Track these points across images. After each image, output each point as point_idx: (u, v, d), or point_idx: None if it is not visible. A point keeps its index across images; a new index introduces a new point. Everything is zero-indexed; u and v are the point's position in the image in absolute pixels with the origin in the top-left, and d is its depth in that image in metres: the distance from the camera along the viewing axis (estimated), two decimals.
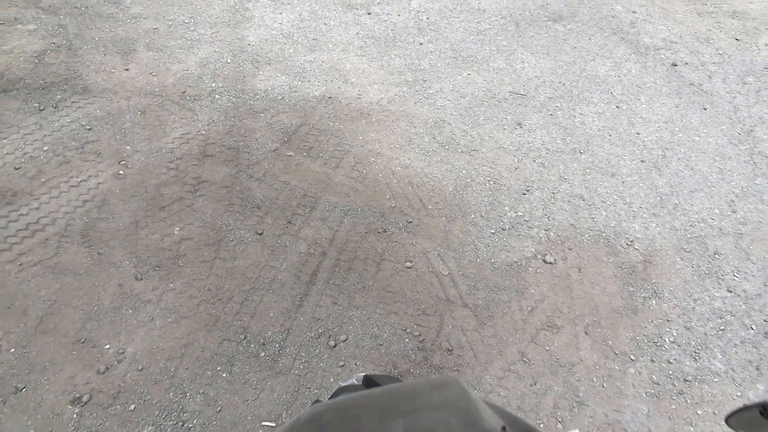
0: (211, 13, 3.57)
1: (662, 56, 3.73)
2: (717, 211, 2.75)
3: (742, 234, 2.66)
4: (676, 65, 3.66)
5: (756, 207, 2.77)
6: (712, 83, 3.54)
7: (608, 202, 2.72)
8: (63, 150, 2.62)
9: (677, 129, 3.16)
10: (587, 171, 2.86)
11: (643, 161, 2.95)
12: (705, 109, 3.34)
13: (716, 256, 2.56)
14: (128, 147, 2.67)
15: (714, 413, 2.05)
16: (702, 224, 2.67)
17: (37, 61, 3.05)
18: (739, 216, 2.73)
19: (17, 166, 2.53)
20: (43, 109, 2.79)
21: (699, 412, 2.05)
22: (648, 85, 3.46)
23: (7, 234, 2.29)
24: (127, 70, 3.08)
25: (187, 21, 3.48)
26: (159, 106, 2.89)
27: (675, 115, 3.26)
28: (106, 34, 3.29)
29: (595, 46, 3.77)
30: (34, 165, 2.55)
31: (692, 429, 2.00)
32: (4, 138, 2.64)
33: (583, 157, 2.93)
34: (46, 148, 2.62)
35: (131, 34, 3.31)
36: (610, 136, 3.08)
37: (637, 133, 3.12)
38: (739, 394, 2.11)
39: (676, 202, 2.77)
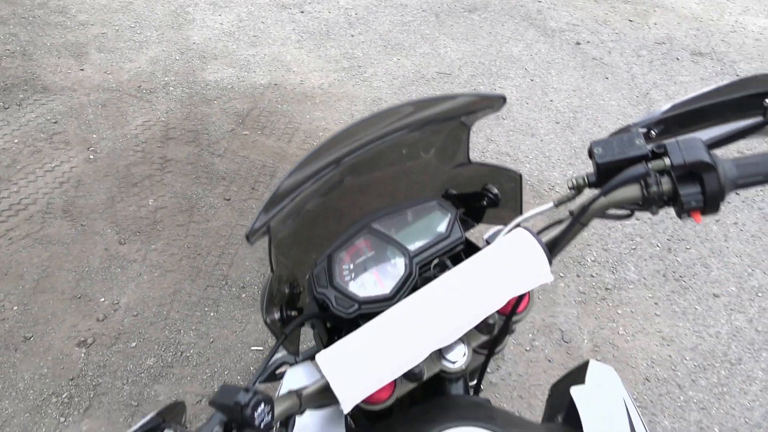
0: (154, 18, 3.82)
1: (567, 37, 4.20)
2: None
3: None
4: (579, 44, 4.13)
5: None
6: (611, 57, 4.01)
7: (530, 157, 3.12)
8: (33, 141, 2.83)
9: (584, 95, 3.61)
10: (510, 133, 3.26)
11: (557, 123, 3.37)
12: (607, 78, 3.81)
13: None
14: (94, 135, 2.90)
15: (631, 311, 2.45)
16: None
17: None
18: None
19: None
20: (7, 108, 2.99)
21: (619, 311, 2.44)
22: (556, 61, 3.91)
23: None
24: (82, 70, 3.30)
25: (132, 25, 3.71)
26: (118, 100, 3.12)
27: (582, 84, 3.71)
28: (57, 40, 3.49)
29: (507, 31, 4.21)
30: (7, 155, 2.74)
31: (614, 324, 2.38)
32: None
33: (505, 122, 3.33)
34: (16, 141, 2.82)
35: (81, 39, 3.53)
36: (527, 104, 3.50)
37: (551, 100, 3.54)
38: (650, 295, 2.51)
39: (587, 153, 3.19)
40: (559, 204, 0.85)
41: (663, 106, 0.89)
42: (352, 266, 0.89)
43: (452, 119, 0.96)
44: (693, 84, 3.79)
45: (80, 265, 2.34)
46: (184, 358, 2.10)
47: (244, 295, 2.31)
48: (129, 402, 1.97)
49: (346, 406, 0.73)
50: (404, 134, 0.91)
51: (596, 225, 2.82)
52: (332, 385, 0.72)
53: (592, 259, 2.65)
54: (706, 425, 2.08)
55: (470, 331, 0.87)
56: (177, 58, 3.47)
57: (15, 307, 2.19)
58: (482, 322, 0.84)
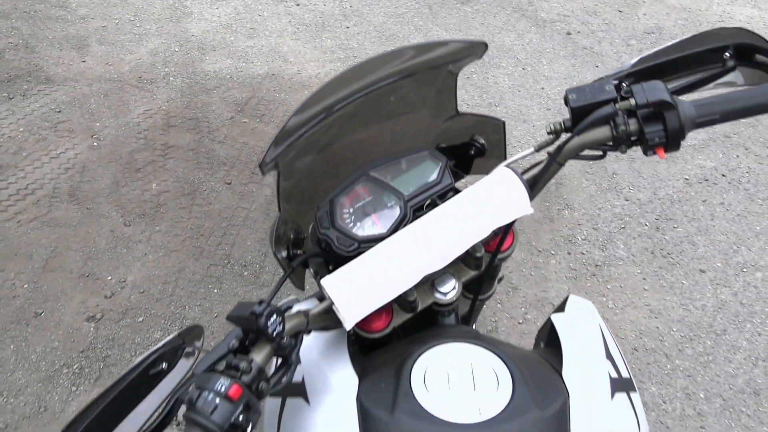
0: (153, 11, 3.89)
1: (558, 27, 4.28)
2: None
3: (634, 158, 3.19)
4: (570, 34, 4.22)
5: None
6: (601, 46, 4.10)
7: (522, 142, 3.21)
8: (38, 130, 2.91)
9: (575, 83, 3.69)
10: (503, 119, 3.34)
11: (548, 109, 3.46)
12: (597, 66, 3.90)
13: (614, 175, 3.07)
14: (98, 124, 2.98)
15: (620, 286, 2.54)
16: None
17: None
18: None
19: None
20: (12, 98, 3.06)
21: (608, 286, 2.53)
22: (547, 50, 3.99)
23: (4, 197, 2.56)
24: (84, 61, 3.38)
25: (132, 19, 3.79)
26: (119, 90, 3.20)
27: (572, 72, 3.80)
28: (58, 33, 3.57)
29: (499, 22, 4.30)
30: (13, 143, 2.82)
31: (604, 299, 2.47)
32: None
33: (498, 109, 3.42)
34: (21, 129, 2.89)
35: (82, 32, 3.61)
36: (519, 91, 3.59)
37: (542, 88, 3.63)
38: (639, 271, 2.60)
39: None
40: (539, 149, 0.94)
41: (632, 59, 0.98)
42: (351, 210, 0.98)
43: (440, 67, 1.04)
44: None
45: (87, 245, 2.42)
46: None
47: (246, 273, 2.39)
48: None
49: (348, 324, 0.81)
50: (397, 81, 0.99)
51: (583, 200, 2.90)
52: (336, 304, 0.80)
53: (583, 237, 2.74)
54: (692, 391, 2.17)
55: (460, 265, 0.96)
56: (176, 49, 3.55)
57: (25, 285, 2.26)
58: (471, 257, 0.93)
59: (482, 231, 0.86)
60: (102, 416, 0.72)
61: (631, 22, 4.43)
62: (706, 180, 3.08)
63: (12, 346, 2.08)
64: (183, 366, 0.83)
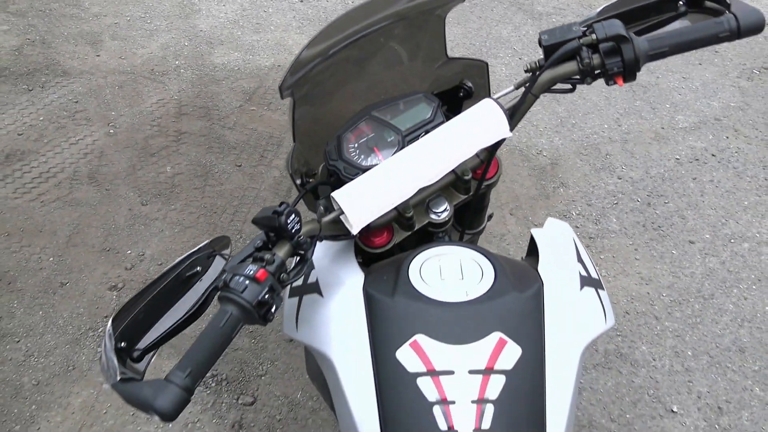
0: (162, 9, 4.05)
1: (553, 20, 4.43)
2: (606, 126, 3.42)
3: (627, 140, 3.33)
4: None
5: (636, 121, 3.45)
6: None
7: (519, 126, 3.34)
8: (57, 118, 3.06)
9: None
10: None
11: (545, 96, 3.60)
12: None
13: (608, 156, 3.21)
14: (113, 113, 3.13)
15: (613, 257, 2.67)
16: (595, 136, 3.33)
17: (17, 53, 3.47)
18: (623, 128, 3.40)
19: (20, 133, 2.95)
20: (31, 90, 3.22)
21: (601, 257, 2.66)
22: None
23: (24, 182, 2.71)
24: (98, 56, 3.53)
25: (143, 16, 3.95)
26: (133, 81, 3.36)
27: None
28: (73, 30, 3.73)
29: (497, 15, 4.44)
30: (34, 131, 2.97)
31: (597, 267, 2.60)
32: (3, 113, 3.05)
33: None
34: (41, 118, 3.05)
35: (95, 29, 3.76)
36: (516, 79, 3.72)
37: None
38: (630, 243, 2.73)
39: (573, 122, 3.42)
40: (518, 86, 1.09)
41: (597, 8, 1.13)
42: (356, 144, 1.12)
43: (429, 11, 1.19)
44: (673, 60, 4.02)
45: (107, 223, 2.57)
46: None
47: None
48: None
49: (355, 228, 0.95)
50: (392, 23, 1.14)
51: (577, 179, 3.04)
52: (345, 211, 0.94)
53: (577, 212, 2.87)
54: (681, 350, 2.30)
55: (451, 190, 1.11)
56: (186, 44, 3.71)
57: (50, 258, 2.41)
58: (460, 180, 1.08)
59: (469, 150, 1.00)
60: (143, 313, 0.86)
61: None
62: (697, 159, 3.22)
63: (41, 312, 2.23)
64: (215, 269, 0.97)
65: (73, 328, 2.18)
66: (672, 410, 2.11)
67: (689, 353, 2.29)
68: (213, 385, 2.05)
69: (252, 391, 2.05)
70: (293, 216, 0.88)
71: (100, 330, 2.18)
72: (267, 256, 0.86)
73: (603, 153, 3.23)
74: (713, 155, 3.24)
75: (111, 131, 3.01)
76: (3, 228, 2.51)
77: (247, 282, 0.83)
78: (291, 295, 1.07)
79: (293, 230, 0.88)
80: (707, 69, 3.95)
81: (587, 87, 3.24)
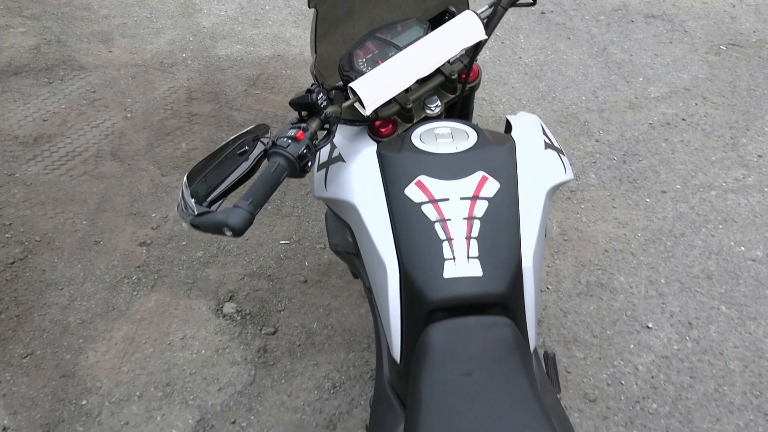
0: (166, 9, 4.33)
1: (533, 9, 4.73)
2: (584, 98, 3.70)
3: (603, 110, 3.61)
4: (543, 13, 4.67)
5: (612, 93, 3.75)
6: (573, 22, 4.55)
7: (503, 100, 3.63)
8: (77, 106, 3.33)
9: (549, 52, 4.13)
10: (485, 83, 3.77)
11: (526, 74, 3.89)
12: (569, 38, 4.33)
13: (586, 123, 3.50)
14: (129, 100, 3.40)
15: (592, 206, 2.94)
16: (574, 106, 3.61)
17: (35, 52, 3.74)
18: (600, 99, 3.69)
19: (45, 119, 3.22)
20: (51, 82, 3.49)
21: (582, 206, 2.93)
22: (524, 27, 4.44)
23: (53, 160, 2.97)
24: (110, 52, 3.81)
25: (149, 16, 4.23)
26: (144, 72, 3.63)
27: (546, 44, 4.24)
28: (85, 30, 4.01)
29: (478, 7, 4.73)
30: (58, 117, 3.24)
31: (578, 215, 2.88)
32: (28, 103, 3.32)
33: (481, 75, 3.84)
34: (63, 106, 3.31)
35: (106, 29, 4.04)
36: (499, 61, 4.02)
37: (520, 57, 4.07)
38: (608, 194, 3.01)
39: (554, 95, 3.71)
40: (491, 5, 1.37)
41: None
42: (364, 59, 1.40)
43: None
44: (646, 40, 4.31)
45: (132, 191, 2.83)
46: (227, 250, 2.58)
47: (269, 207, 2.80)
48: (186, 281, 2.45)
49: (368, 109, 1.23)
50: None
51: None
52: (360, 94, 1.22)
53: None
54: (655, 279, 2.57)
55: (441, 91, 1.39)
56: (191, 39, 3.99)
57: (83, 222, 2.67)
58: (449, 81, 1.36)
59: (455, 48, 1.28)
60: (208, 177, 1.13)
61: (599, 1, 4.88)
62: (668, 124, 3.50)
63: (79, 266, 2.48)
64: (260, 147, 1.23)
65: (109, 277, 2.44)
66: (647, 326, 2.38)
67: (662, 281, 2.56)
68: (238, 318, 2.31)
69: (273, 323, 2.30)
70: (321, 95, 1.15)
71: (134, 277, 2.44)
72: (303, 125, 1.13)
73: (581, 121, 3.51)
74: (683, 119, 3.53)
75: (128, 115, 3.28)
76: (38, 199, 2.76)
77: (289, 141, 1.10)
78: (319, 169, 1.34)
79: (322, 105, 1.16)
80: (677, 47, 4.25)
81: (566, 64, 3.54)
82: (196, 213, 1.04)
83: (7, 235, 2.58)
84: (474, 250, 1.05)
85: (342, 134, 1.38)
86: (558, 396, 1.23)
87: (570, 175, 1.27)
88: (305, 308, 2.36)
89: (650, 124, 3.51)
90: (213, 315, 2.31)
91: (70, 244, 2.56)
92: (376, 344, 1.29)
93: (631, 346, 2.31)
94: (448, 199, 1.09)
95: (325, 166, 1.33)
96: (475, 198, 1.09)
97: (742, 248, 2.71)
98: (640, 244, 2.72)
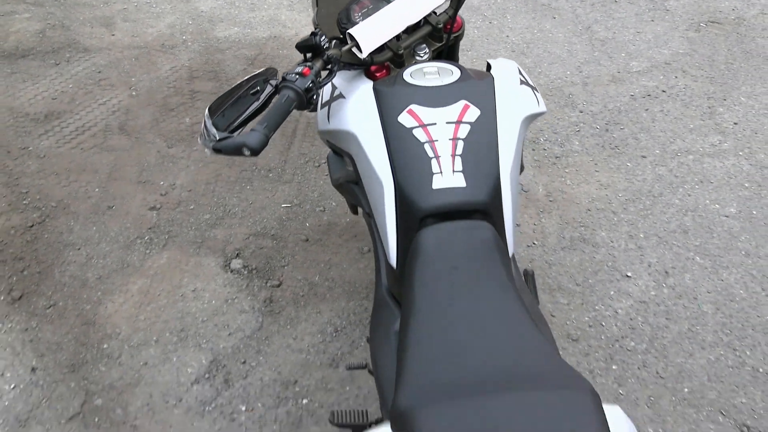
0: None
1: None
2: (569, 72, 3.88)
3: (587, 83, 3.79)
4: None
5: (595, 68, 3.92)
6: (558, 3, 4.72)
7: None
8: (84, 85, 3.48)
9: (536, 31, 4.30)
10: (474, 60, 3.94)
11: (513, 51, 4.06)
12: (554, 18, 4.50)
13: (570, 95, 3.67)
14: (133, 79, 3.56)
15: (576, 170, 3.12)
16: (559, 81, 3.78)
17: (40, 36, 3.89)
18: (584, 74, 3.86)
19: (54, 97, 3.37)
20: (58, 64, 3.64)
21: (566, 171, 3.11)
22: (510, 8, 4.60)
23: (64, 134, 3.13)
24: (113, 35, 3.96)
25: (148, 1, 4.38)
26: (147, 54, 3.78)
27: (533, 23, 4.41)
28: (87, 15, 4.16)
29: None
30: (66, 96, 3.39)
31: (562, 179, 3.05)
32: (37, 83, 3.47)
33: (470, 53, 4.01)
34: (71, 85, 3.47)
35: (107, 14, 4.19)
36: (487, 39, 4.19)
37: (507, 36, 4.24)
38: (591, 159, 3.18)
39: (539, 71, 3.88)
40: None
41: None
42: (360, 13, 1.56)
43: None
44: (628, 18, 4.49)
45: (140, 162, 2.99)
46: (232, 213, 2.75)
47: (270, 175, 2.96)
48: (195, 240, 2.61)
49: (365, 51, 1.39)
50: None
51: (546, 117, 3.49)
52: (357, 38, 1.38)
53: (544, 139, 3.32)
54: (634, 233, 2.74)
55: (429, 40, 1.56)
56: (190, 22, 4.14)
57: (96, 190, 2.83)
58: (435, 30, 1.53)
59: (438, 0, 1.45)
60: (225, 112, 1.29)
61: None
62: (649, 95, 3.68)
63: (94, 228, 2.64)
64: (270, 88, 1.40)
65: (123, 237, 2.60)
66: (627, 275, 2.56)
67: (641, 236, 2.73)
68: (245, 273, 2.47)
69: (278, 276, 2.47)
70: (324, 37, 1.32)
71: (146, 238, 2.60)
72: (308, 63, 1.30)
73: (566, 93, 3.69)
74: (663, 91, 3.71)
75: (133, 93, 3.43)
76: (51, 169, 2.92)
77: (297, 76, 1.27)
78: (322, 107, 1.51)
79: (324, 46, 1.32)
80: (659, 24, 4.43)
81: (551, 42, 3.72)
82: (217, 138, 1.21)
83: (24, 202, 2.73)
84: (458, 165, 1.23)
85: (342, 77, 1.54)
86: (537, 305, 1.40)
87: (543, 108, 1.44)
88: (307, 264, 2.53)
89: (632, 95, 3.68)
90: (221, 270, 2.48)
91: (84, 209, 2.72)
92: (375, 263, 1.47)
93: (612, 292, 2.48)
94: (435, 124, 1.26)
95: (327, 103, 1.50)
96: (458, 122, 1.26)
97: (717, 206, 2.89)
98: (621, 203, 2.90)
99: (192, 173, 2.93)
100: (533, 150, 3.22)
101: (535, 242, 2.70)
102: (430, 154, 1.24)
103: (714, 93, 3.69)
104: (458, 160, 1.23)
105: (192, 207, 2.74)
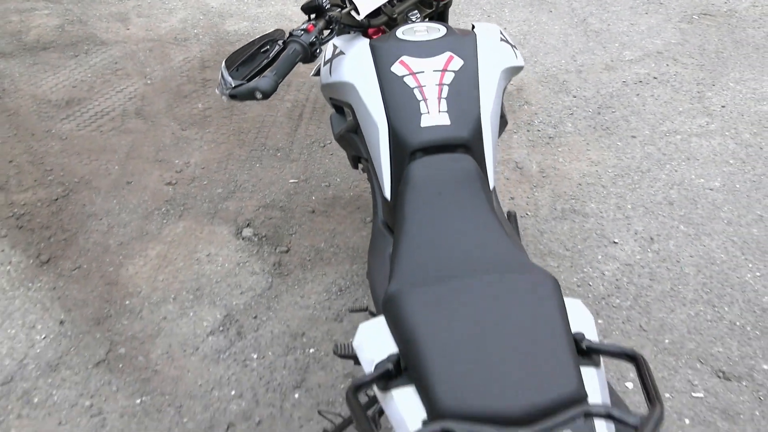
0: None
1: None
2: (564, 61, 4.05)
3: (581, 71, 3.96)
4: None
5: (589, 57, 4.09)
6: None
7: None
8: (101, 75, 3.68)
9: (533, 23, 4.48)
10: None
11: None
12: (551, 11, 4.68)
13: (565, 82, 3.84)
14: (148, 69, 3.75)
15: (568, 149, 3.29)
16: (554, 69, 3.96)
17: (60, 30, 4.09)
18: (578, 63, 4.03)
19: (74, 86, 3.57)
20: (77, 56, 3.84)
21: (559, 149, 3.28)
22: (508, 2, 4.79)
23: (84, 119, 3.32)
24: (128, 29, 4.16)
25: None
26: (161, 46, 3.98)
27: (530, 16, 4.58)
28: (103, 11, 4.36)
29: None
30: (85, 84, 3.59)
31: (555, 156, 3.22)
32: (57, 73, 3.67)
33: None
34: (90, 75, 3.67)
35: (122, 10, 4.40)
36: None
37: (505, 28, 4.41)
38: (583, 139, 3.35)
39: (536, 60, 4.05)
40: None
41: None
42: None
43: None
44: (623, 12, 4.66)
45: (156, 143, 3.18)
46: (243, 187, 2.93)
47: (279, 154, 3.14)
48: (209, 212, 2.79)
49: (362, 13, 1.57)
50: None
51: (539, 99, 3.66)
52: (355, 1, 1.56)
53: (539, 121, 3.50)
54: (622, 205, 2.91)
55: (421, 6, 1.74)
56: (201, 17, 4.34)
57: (116, 167, 3.01)
58: None
59: None
60: (239, 65, 1.48)
61: None
62: (640, 81, 3.85)
63: (115, 201, 2.83)
64: (277, 47, 1.58)
65: (142, 209, 2.78)
66: (614, 242, 2.72)
67: (629, 206, 2.90)
68: (256, 240, 2.65)
69: (286, 243, 2.65)
70: (326, 0, 1.50)
71: (163, 209, 2.78)
72: (312, 21, 1.49)
73: (560, 80, 3.86)
74: (654, 78, 3.87)
75: (148, 82, 3.63)
76: (73, 150, 3.11)
77: (302, 32, 1.45)
78: (324, 65, 1.69)
79: (326, 7, 1.51)
80: (652, 17, 4.60)
81: (547, 33, 3.90)
82: (233, 86, 1.40)
83: (49, 178, 2.93)
84: (443, 106, 1.40)
85: (342, 39, 1.72)
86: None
87: (521, 62, 1.61)
88: (313, 232, 2.70)
89: (624, 82, 3.85)
90: (233, 238, 2.66)
91: (105, 184, 2.91)
92: (372, 205, 1.64)
93: (599, 257, 2.64)
94: (423, 72, 1.44)
95: (329, 61, 1.68)
96: (444, 71, 1.44)
97: (702, 180, 3.05)
98: (611, 178, 3.06)
99: (205, 153, 3.11)
100: (528, 131, 3.39)
101: (528, 213, 2.86)
102: (419, 97, 1.41)
103: (703, 79, 3.85)
104: (443, 102, 1.40)
105: (205, 182, 2.92)
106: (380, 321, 1.09)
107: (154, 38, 4.05)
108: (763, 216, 2.82)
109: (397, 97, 1.43)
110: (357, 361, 1.57)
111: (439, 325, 0.96)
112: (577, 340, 0.97)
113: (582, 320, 1.03)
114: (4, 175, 2.92)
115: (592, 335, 1.00)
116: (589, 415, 0.82)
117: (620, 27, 4.45)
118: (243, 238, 2.65)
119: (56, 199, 2.79)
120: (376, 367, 0.96)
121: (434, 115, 1.39)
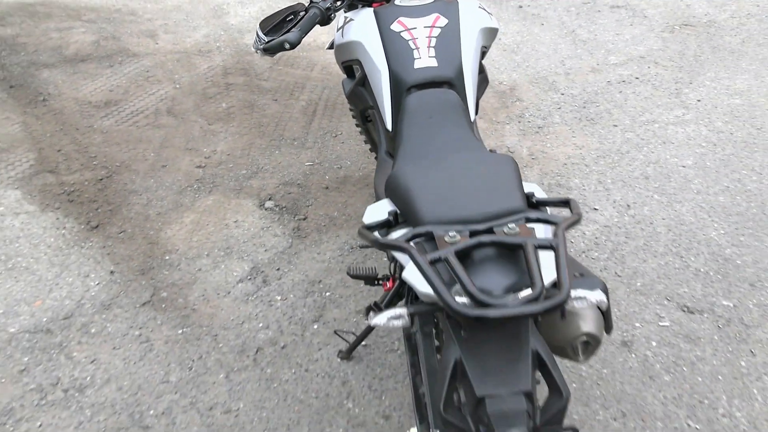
0: (199, 13, 5.15)
1: (511, 4, 5.51)
2: (553, 66, 4.45)
3: (569, 73, 4.35)
4: (521, 6, 5.44)
5: (577, 62, 4.49)
6: (546, 13, 5.32)
7: (485, 68, 4.38)
8: (135, 81, 4.10)
9: (525, 34, 4.89)
10: None
11: (504, 50, 4.64)
12: (542, 24, 5.10)
13: (554, 83, 4.23)
14: (176, 76, 4.17)
15: (556, 137, 3.65)
16: (544, 72, 4.35)
17: (96, 45, 4.54)
18: (567, 66, 4.43)
19: (111, 90, 3.99)
20: (112, 66, 4.28)
21: (547, 137, 3.65)
22: (503, 18, 5.21)
23: (121, 116, 3.73)
24: (157, 44, 4.60)
25: (185, 18, 5.04)
26: (187, 57, 4.41)
27: (523, 29, 5.00)
28: (134, 29, 4.82)
29: None
30: (121, 89, 4.01)
31: (543, 143, 3.59)
32: (96, 80, 4.10)
33: None
34: (124, 81, 4.09)
35: (151, 28, 4.85)
36: None
37: (499, 39, 4.82)
38: (569, 128, 3.72)
39: (527, 64, 4.45)
40: None
41: None
42: None
43: None
44: (609, 24, 5.07)
45: (186, 135, 3.57)
46: (264, 169, 3.31)
47: (295, 143, 3.53)
48: (235, 188, 3.17)
49: None
50: None
51: (530, 96, 4.05)
52: None
53: (530, 114, 3.87)
54: (602, 180, 3.26)
55: None
56: (222, 33, 4.78)
57: (151, 154, 3.41)
58: None
59: None
60: (269, 29, 1.87)
61: None
62: (624, 81, 4.23)
63: (152, 180, 3.21)
64: (298, 16, 1.97)
65: (176, 186, 3.16)
66: (594, 208, 3.06)
67: (609, 181, 3.25)
68: (277, 210, 3.02)
69: (303, 212, 3.02)
70: None
71: (195, 186, 3.16)
72: None
73: (550, 81, 4.25)
74: (636, 78, 4.26)
75: (177, 86, 4.04)
76: (113, 141, 3.51)
77: (321, 0, 1.84)
78: (338, 30, 2.08)
79: None
80: (637, 28, 5.01)
81: (539, 43, 4.35)
82: (266, 41, 1.78)
83: (94, 163, 3.32)
84: (432, 52, 1.78)
85: (352, 12, 2.11)
86: None
87: (496, 24, 1.99)
88: (328, 204, 3.07)
89: (608, 82, 4.23)
90: (257, 208, 3.03)
91: (143, 167, 3.29)
92: (377, 142, 2.01)
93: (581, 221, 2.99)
94: (416, 28, 1.83)
95: (341, 27, 2.07)
96: (432, 27, 1.82)
97: (676, 159, 3.40)
98: (593, 159, 3.42)
99: (230, 142, 3.50)
100: (519, 122, 3.76)
101: None
102: (413, 46, 1.79)
103: (682, 78, 4.23)
104: (432, 50, 1.78)
105: (231, 165, 3.30)
106: (383, 201, 1.45)
107: (181, 50, 4.48)
108: (730, 187, 3.16)
109: (396, 47, 1.81)
110: (367, 282, 1.92)
111: (424, 179, 1.32)
112: (528, 196, 1.33)
113: (535, 188, 1.38)
114: (54, 161, 3.31)
115: (540, 196, 1.36)
116: (529, 220, 1.18)
117: (606, 36, 4.85)
118: (266, 209, 3.01)
119: (101, 179, 3.18)
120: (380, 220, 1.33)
121: (425, 59, 1.77)
